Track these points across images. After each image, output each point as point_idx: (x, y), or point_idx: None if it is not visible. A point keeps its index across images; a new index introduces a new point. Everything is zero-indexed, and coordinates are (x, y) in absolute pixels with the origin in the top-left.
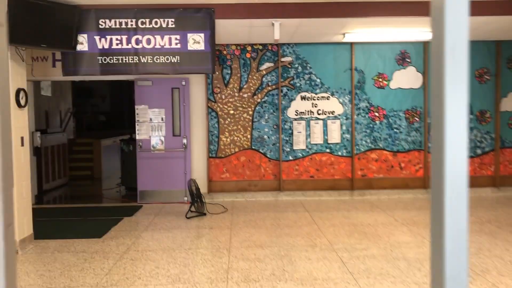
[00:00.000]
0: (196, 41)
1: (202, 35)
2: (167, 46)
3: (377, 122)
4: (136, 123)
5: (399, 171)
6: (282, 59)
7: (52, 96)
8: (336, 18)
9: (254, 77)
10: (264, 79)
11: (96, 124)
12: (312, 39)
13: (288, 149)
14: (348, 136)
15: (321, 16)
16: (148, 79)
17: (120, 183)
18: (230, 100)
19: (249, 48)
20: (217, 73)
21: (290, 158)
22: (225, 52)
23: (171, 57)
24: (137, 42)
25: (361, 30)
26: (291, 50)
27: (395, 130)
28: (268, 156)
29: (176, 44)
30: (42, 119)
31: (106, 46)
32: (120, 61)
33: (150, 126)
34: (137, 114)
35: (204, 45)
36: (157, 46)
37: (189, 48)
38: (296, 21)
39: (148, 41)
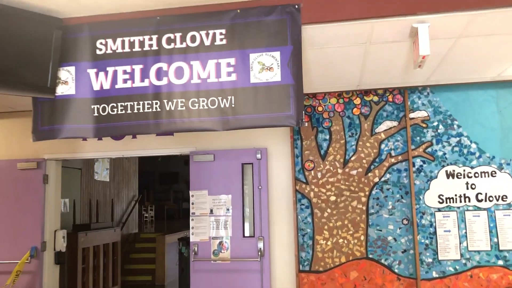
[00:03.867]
0: (267, 67)
1: (278, 54)
2: (212, 79)
3: None
4: (190, 217)
5: None
6: (412, 115)
7: (111, 181)
8: None
9: (367, 144)
10: (383, 146)
11: (178, 213)
12: (465, 76)
13: (430, 260)
14: None
15: None
16: (209, 152)
17: None
18: (330, 180)
19: (357, 101)
20: (306, 124)
21: (435, 274)
22: (320, 109)
23: (219, 99)
24: (159, 75)
25: None
26: (425, 101)
27: None
28: (395, 271)
29: (229, 74)
30: (86, 211)
31: (107, 86)
32: (129, 111)
33: (210, 222)
34: (192, 203)
35: (280, 73)
36: (195, 81)
37: (252, 80)
38: (462, 19)
39: (179, 73)
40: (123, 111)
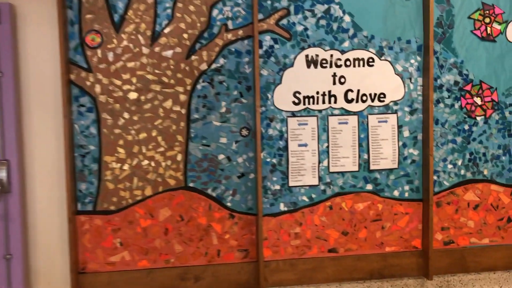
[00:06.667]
0: None
1: None
2: None
3: (479, 119)
4: None
5: None
6: None
7: None
8: None
9: (191, 8)
10: (215, 13)
11: None
12: None
13: (278, 187)
14: (415, 152)
15: None
16: None
17: None
18: (130, 65)
19: None
20: None
21: (283, 207)
22: None
23: None
24: None
25: None
26: None
27: None
28: (228, 205)
29: None
30: None
31: None
32: None
33: None
34: None
35: None
36: None
37: None
38: None
39: None
40: None
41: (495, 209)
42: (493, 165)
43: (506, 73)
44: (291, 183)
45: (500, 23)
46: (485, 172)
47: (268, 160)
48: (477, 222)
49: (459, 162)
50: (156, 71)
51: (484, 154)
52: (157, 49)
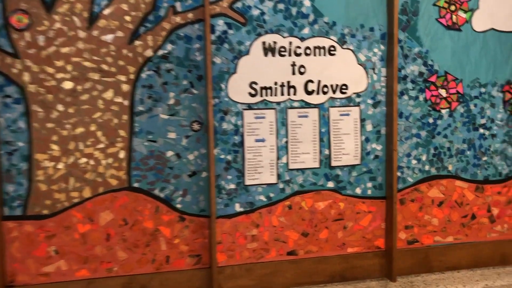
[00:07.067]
0: None
1: None
2: None
3: (443, 112)
4: None
5: (488, 225)
6: None
7: None
8: None
9: None
10: None
11: None
12: None
13: (233, 186)
14: (378, 147)
15: None
16: None
17: None
18: (64, 51)
19: None
20: None
21: (239, 208)
22: None
23: None
24: None
25: None
26: None
27: (482, 131)
28: (178, 206)
29: None
30: None
31: None
32: None
33: None
34: None
35: None
36: None
37: None
38: None
39: None
40: None
41: (459, 206)
42: (457, 160)
43: (472, 64)
44: (247, 182)
45: (465, 11)
46: (450, 168)
47: (222, 157)
48: (441, 219)
49: (424, 157)
50: (95, 58)
51: (448, 149)
52: (95, 32)
